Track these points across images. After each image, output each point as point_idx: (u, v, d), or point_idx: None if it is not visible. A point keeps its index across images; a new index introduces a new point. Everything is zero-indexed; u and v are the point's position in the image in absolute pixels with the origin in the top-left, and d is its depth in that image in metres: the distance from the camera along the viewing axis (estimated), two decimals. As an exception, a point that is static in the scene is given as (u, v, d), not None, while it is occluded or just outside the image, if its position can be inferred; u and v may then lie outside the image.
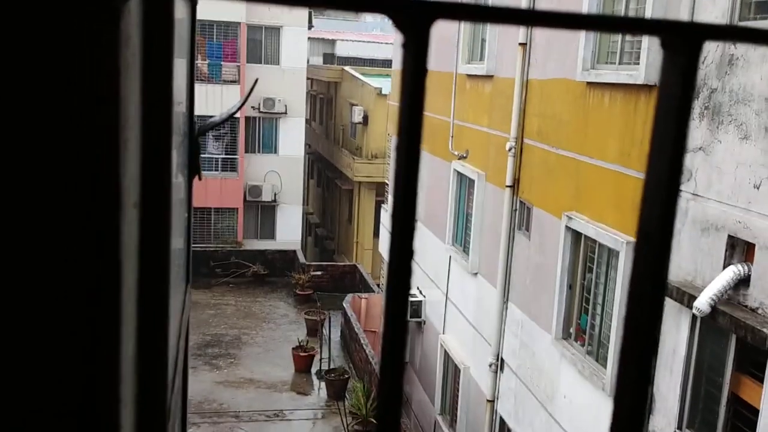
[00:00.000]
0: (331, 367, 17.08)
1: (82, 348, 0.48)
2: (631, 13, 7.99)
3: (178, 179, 1.32)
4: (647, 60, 7.29)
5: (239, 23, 25.24)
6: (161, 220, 0.67)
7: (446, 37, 13.23)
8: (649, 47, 7.29)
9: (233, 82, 25.30)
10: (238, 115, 25.19)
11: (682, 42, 0.44)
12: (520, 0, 10.19)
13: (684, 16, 6.73)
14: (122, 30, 0.44)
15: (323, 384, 16.91)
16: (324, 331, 18.31)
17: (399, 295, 0.43)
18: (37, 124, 0.44)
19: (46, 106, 0.44)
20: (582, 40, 8.56)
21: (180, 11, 1.34)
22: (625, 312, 0.50)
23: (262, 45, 26.29)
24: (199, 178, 1.57)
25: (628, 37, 8.09)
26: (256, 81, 3.07)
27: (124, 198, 0.49)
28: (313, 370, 17.65)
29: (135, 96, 0.55)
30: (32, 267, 0.47)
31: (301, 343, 17.87)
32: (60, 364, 0.50)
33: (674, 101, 0.44)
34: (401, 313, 0.45)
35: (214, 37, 25.54)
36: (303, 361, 17.63)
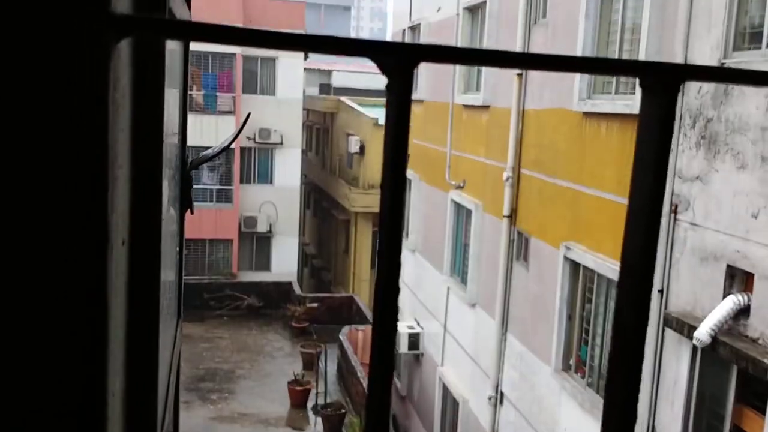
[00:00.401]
0: (328, 401, 16.87)
1: (68, 384, 0.47)
2: (627, 44, 8.06)
3: (169, 213, 1.28)
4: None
5: (235, 54, 25.44)
6: (151, 258, 0.63)
7: (442, 68, 13.34)
8: (644, 78, 7.33)
9: (229, 112, 25.42)
10: (233, 145, 25.26)
11: (660, 83, 0.44)
12: (516, 41, 10.28)
13: (679, 46, 6.79)
14: (112, 71, 0.43)
15: (319, 419, 16.68)
16: (320, 364, 18.13)
17: (386, 327, 0.42)
18: (25, 163, 0.43)
19: (35, 145, 0.43)
20: (577, 70, 8.61)
21: (172, 43, 1.32)
22: (611, 342, 0.50)
23: (258, 76, 26.48)
24: (191, 212, 1.53)
25: (622, 68, 8.15)
26: (248, 115, 3.08)
27: (113, 236, 0.46)
28: (309, 404, 17.44)
29: (125, 134, 0.53)
30: (16, 302, 0.47)
31: (297, 377, 17.67)
32: (46, 397, 0.49)
33: (653, 141, 0.45)
34: (389, 345, 0.44)
35: (210, 68, 25.72)
36: (299, 396, 17.41)
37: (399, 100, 0.42)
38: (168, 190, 1.31)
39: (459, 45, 12.47)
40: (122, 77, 0.54)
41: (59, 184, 0.42)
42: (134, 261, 0.60)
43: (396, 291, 0.45)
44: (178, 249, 1.45)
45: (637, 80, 0.50)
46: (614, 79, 8.25)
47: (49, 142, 0.43)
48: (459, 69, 12.55)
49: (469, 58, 0.50)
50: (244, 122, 2.59)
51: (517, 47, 10.14)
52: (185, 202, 1.48)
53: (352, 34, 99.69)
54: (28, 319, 0.45)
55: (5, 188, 0.42)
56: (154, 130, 0.65)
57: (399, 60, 0.42)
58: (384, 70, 0.43)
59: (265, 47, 0.48)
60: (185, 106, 1.65)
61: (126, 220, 0.56)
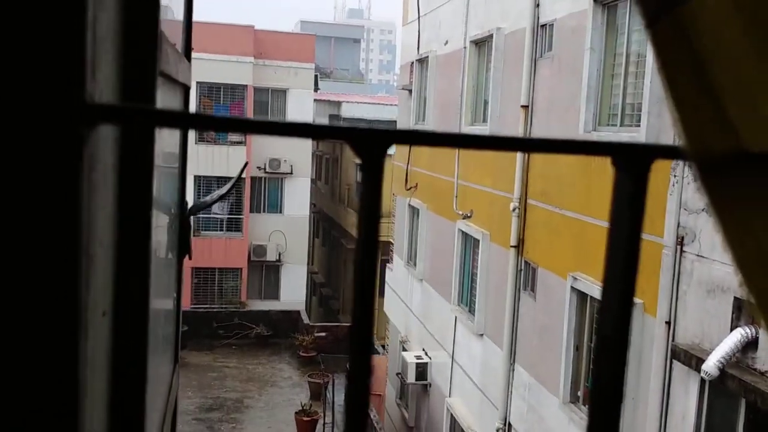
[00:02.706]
0: None
1: None
2: (631, 77, 8.12)
3: (168, 259, 1.32)
4: (648, 121, 7.37)
5: (246, 86, 25.71)
6: (137, 324, 0.66)
7: (450, 100, 13.44)
8: (650, 110, 7.38)
9: (239, 143, 25.62)
10: (244, 175, 25.41)
11: (631, 163, 0.46)
12: (522, 74, 10.37)
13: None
14: (88, 154, 0.45)
15: (327, 449, 16.54)
16: (328, 394, 18.02)
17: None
18: None
19: (3, 231, 0.44)
20: (584, 101, 8.68)
21: (171, 100, 1.36)
22: (588, 412, 0.51)
23: (269, 106, 26.72)
24: (189, 258, 1.57)
25: (629, 99, 8.21)
26: (246, 164, 3.14)
27: (89, 311, 0.49)
28: (317, 434, 17.29)
29: (107, 211, 0.56)
30: None
31: (305, 407, 17.56)
32: None
33: (626, 219, 0.46)
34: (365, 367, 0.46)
35: (222, 99, 25.98)
36: (306, 426, 17.29)
37: (372, 179, 0.46)
38: (166, 235, 1.35)
39: (465, 77, 12.58)
40: (104, 157, 0.57)
41: (30, 264, 0.44)
42: (119, 329, 0.62)
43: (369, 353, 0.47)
44: (175, 296, 1.48)
45: (610, 159, 0.52)
46: (620, 110, 8.30)
47: (19, 228, 0.44)
48: (466, 99, 12.65)
49: (439, 141, 0.53)
50: (242, 170, 2.65)
51: (524, 80, 10.22)
52: (183, 249, 1.51)
53: (362, 66, 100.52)
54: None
55: None
56: (143, 202, 0.68)
57: (371, 143, 0.45)
58: (358, 152, 0.46)
59: (239, 132, 0.51)
60: (185, 156, 1.69)
61: (108, 289, 0.59)
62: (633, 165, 0.49)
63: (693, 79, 0.48)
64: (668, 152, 0.53)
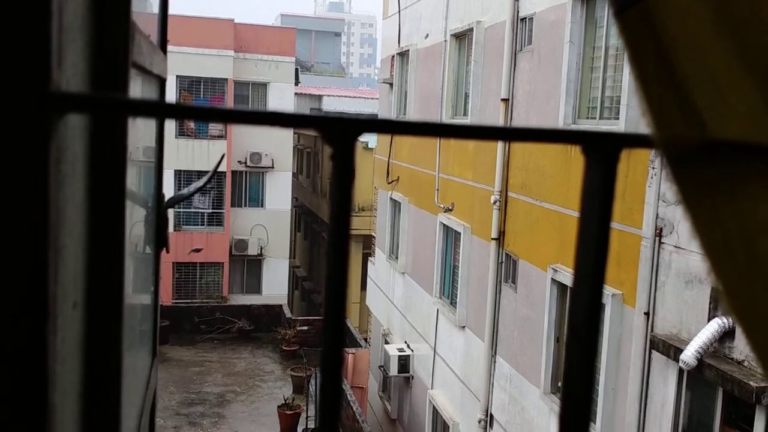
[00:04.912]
0: (318, 425, 16.74)
1: None
2: (611, 70, 8.17)
3: (144, 252, 1.31)
4: (627, 114, 7.42)
5: (226, 79, 25.55)
6: (111, 313, 0.66)
7: (431, 93, 13.46)
8: (628, 103, 7.43)
9: (220, 137, 25.47)
10: (224, 169, 25.28)
11: (600, 151, 0.46)
12: (502, 67, 10.40)
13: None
14: (56, 144, 0.45)
15: (310, 442, 16.56)
16: (311, 387, 18.02)
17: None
18: None
19: None
20: (563, 95, 8.72)
21: (148, 93, 1.35)
22: (560, 403, 0.52)
23: (249, 100, 26.58)
24: (167, 251, 1.56)
25: (608, 92, 8.26)
26: (223, 156, 3.12)
27: (59, 301, 0.48)
28: (300, 428, 17.30)
29: (76, 199, 0.55)
30: None
31: (287, 401, 17.55)
32: None
33: (596, 206, 0.47)
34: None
35: (201, 93, 25.80)
36: (289, 420, 17.28)
37: (342, 167, 0.46)
38: (142, 229, 1.34)
39: (446, 71, 12.60)
40: (73, 146, 0.56)
41: None
42: (91, 320, 0.62)
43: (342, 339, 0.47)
44: (153, 289, 1.47)
45: (580, 148, 0.53)
46: (599, 104, 8.35)
47: None
48: (447, 93, 12.67)
49: (409, 129, 0.53)
50: (219, 162, 2.64)
51: (504, 73, 10.25)
52: (161, 242, 1.50)
53: (343, 60, 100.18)
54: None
55: None
56: (115, 192, 0.67)
57: (341, 132, 0.46)
58: (328, 141, 0.46)
59: (209, 121, 0.50)
60: (162, 148, 1.68)
61: (79, 283, 0.58)
62: (602, 153, 0.49)
63: (659, 67, 0.49)
64: (637, 141, 0.54)
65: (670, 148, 0.50)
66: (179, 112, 0.46)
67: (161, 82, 1.53)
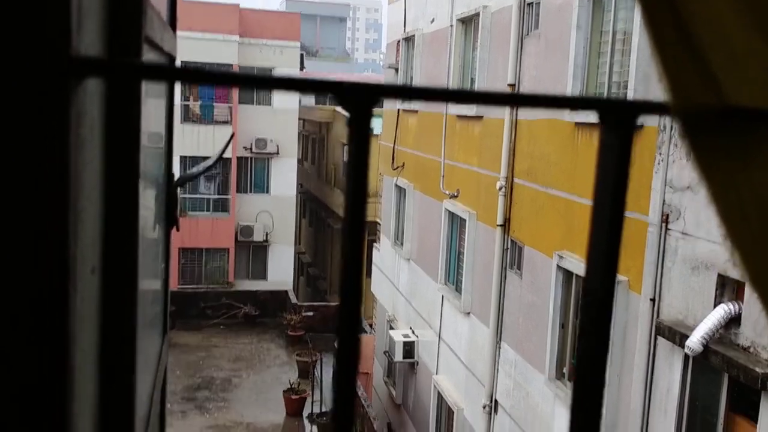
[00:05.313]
0: (324, 410, 16.85)
1: (29, 411, 0.47)
2: (618, 54, 8.12)
3: (155, 230, 1.32)
4: (634, 99, 7.37)
5: (231, 65, 25.49)
6: (127, 281, 0.66)
7: (437, 78, 13.41)
8: (636, 87, 7.40)
9: (225, 122, 25.46)
10: (230, 155, 25.29)
11: (617, 118, 0.46)
12: (509, 52, 10.34)
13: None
14: (74, 110, 0.45)
15: (315, 427, 16.66)
16: (316, 372, 18.12)
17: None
18: None
19: None
20: (570, 80, 8.68)
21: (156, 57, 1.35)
22: (575, 370, 0.52)
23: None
24: (177, 229, 1.57)
25: (615, 77, 8.22)
26: (233, 135, 3.12)
27: (78, 265, 0.49)
28: (305, 413, 17.41)
29: (93, 165, 0.56)
30: None
31: (293, 386, 17.65)
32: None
33: (611, 174, 0.47)
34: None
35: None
36: (294, 404, 17.39)
37: (360, 135, 0.45)
38: (153, 208, 1.34)
39: (452, 56, 12.55)
40: (90, 110, 0.56)
41: (19, 217, 0.44)
42: (107, 287, 0.63)
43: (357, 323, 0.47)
44: (163, 265, 1.48)
45: (597, 115, 0.52)
46: (606, 89, 8.31)
47: (6, 180, 0.44)
48: (453, 79, 12.62)
49: (425, 95, 0.53)
50: (228, 141, 2.64)
51: (510, 58, 10.20)
52: (171, 220, 1.51)
53: (348, 45, 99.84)
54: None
55: None
56: (130, 160, 0.68)
57: (359, 98, 0.45)
58: (345, 107, 0.46)
59: (224, 85, 0.50)
60: (171, 128, 1.68)
61: (96, 248, 0.59)
62: (619, 120, 0.49)
63: (677, 34, 0.49)
64: (653, 108, 0.54)
65: (686, 114, 0.50)
66: (196, 76, 0.47)
67: (171, 61, 1.53)
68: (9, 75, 0.44)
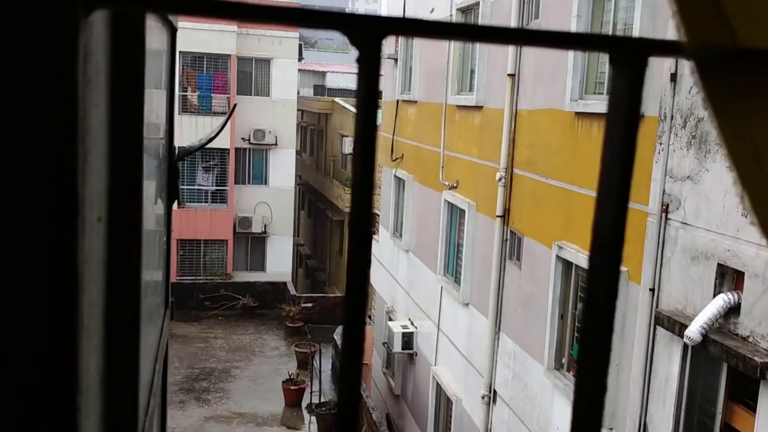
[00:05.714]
0: (322, 400, 16.89)
1: (36, 359, 0.47)
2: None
3: (157, 203, 1.30)
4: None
5: (229, 55, 25.43)
6: (131, 236, 0.65)
7: (436, 69, 13.37)
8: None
9: (223, 113, 25.40)
10: (228, 146, 25.25)
11: (628, 57, 0.45)
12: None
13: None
14: (81, 44, 0.44)
15: (314, 418, 16.69)
16: (315, 363, 18.15)
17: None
18: None
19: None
20: (570, 70, 8.66)
21: (158, 41, 1.33)
22: (582, 319, 0.51)
23: (252, 77, 26.47)
24: (179, 204, 1.56)
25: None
26: (235, 106, 3.10)
27: (86, 209, 0.48)
28: (304, 404, 17.44)
29: (99, 110, 0.55)
30: None
31: (292, 377, 17.68)
32: (13, 374, 0.48)
33: (623, 115, 0.46)
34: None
35: (204, 69, 25.70)
36: (293, 395, 17.42)
37: (368, 72, 0.44)
38: (155, 180, 1.33)
39: (452, 46, 12.50)
40: (96, 52, 0.55)
41: (26, 153, 0.43)
42: (112, 239, 0.62)
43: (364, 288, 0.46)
44: (165, 239, 1.47)
45: (608, 55, 0.51)
46: (606, 78, 8.29)
47: (14, 114, 0.44)
48: (452, 70, 12.59)
49: (436, 32, 0.50)
50: (231, 111, 2.62)
51: (510, 49, 10.17)
52: (173, 193, 1.50)
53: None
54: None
55: None
56: (134, 109, 0.67)
57: (368, 32, 0.43)
58: (353, 42, 0.44)
59: (229, 18, 0.47)
60: (172, 101, 1.67)
61: (103, 197, 0.58)
62: (630, 59, 0.48)
63: None
64: (666, 47, 0.52)
65: (699, 53, 0.49)
66: (207, 7, 0.45)
67: (173, 32, 1.52)
68: (17, 6, 0.43)
